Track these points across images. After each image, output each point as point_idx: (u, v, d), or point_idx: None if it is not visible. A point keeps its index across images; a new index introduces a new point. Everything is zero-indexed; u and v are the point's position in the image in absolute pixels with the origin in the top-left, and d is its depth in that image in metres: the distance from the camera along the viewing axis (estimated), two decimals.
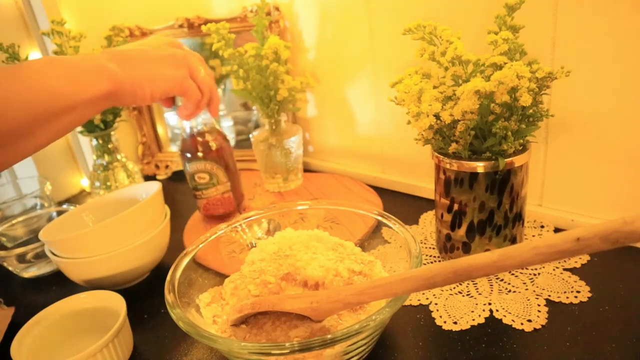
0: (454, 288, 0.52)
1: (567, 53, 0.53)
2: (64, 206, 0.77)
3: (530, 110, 0.48)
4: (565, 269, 0.52)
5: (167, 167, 0.99)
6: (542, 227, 0.60)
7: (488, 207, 0.51)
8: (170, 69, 0.48)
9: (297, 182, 0.82)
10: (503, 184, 0.50)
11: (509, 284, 0.51)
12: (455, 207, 0.53)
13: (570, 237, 0.27)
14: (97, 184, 0.85)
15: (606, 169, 0.55)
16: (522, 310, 0.47)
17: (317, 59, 0.82)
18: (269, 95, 0.74)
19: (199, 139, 0.68)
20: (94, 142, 0.83)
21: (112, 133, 0.83)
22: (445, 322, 0.47)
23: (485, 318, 0.47)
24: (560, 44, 0.53)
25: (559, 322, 0.45)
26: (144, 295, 0.61)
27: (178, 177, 0.98)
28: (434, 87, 0.50)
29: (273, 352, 0.37)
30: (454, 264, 0.32)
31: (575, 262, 0.53)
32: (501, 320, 0.47)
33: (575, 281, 0.50)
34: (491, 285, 0.52)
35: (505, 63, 0.47)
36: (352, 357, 0.42)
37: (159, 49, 0.48)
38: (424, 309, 0.50)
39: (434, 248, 0.60)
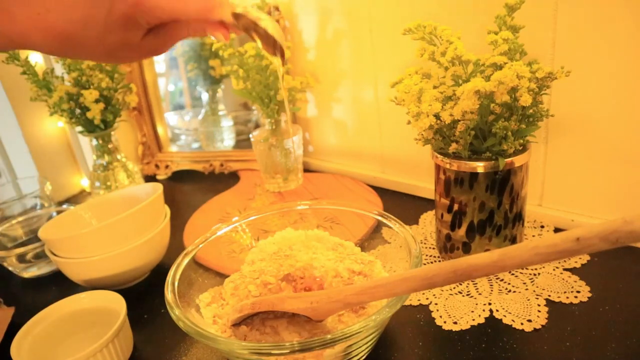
0: (454, 288, 0.52)
1: (567, 53, 0.53)
2: (64, 206, 0.77)
3: (530, 110, 0.48)
4: (565, 269, 0.52)
5: (167, 167, 0.99)
6: (542, 227, 0.60)
7: (488, 207, 0.51)
8: None
9: (297, 182, 0.82)
10: (503, 184, 0.50)
11: (509, 284, 0.51)
12: (455, 207, 0.53)
13: (570, 237, 0.27)
14: (97, 184, 0.85)
15: (606, 169, 0.55)
16: (522, 310, 0.47)
17: (317, 59, 0.82)
18: (269, 95, 0.74)
19: None
20: (94, 142, 0.83)
21: (112, 133, 0.83)
22: (445, 322, 0.47)
23: (485, 318, 0.47)
24: (560, 44, 0.53)
25: (559, 322, 0.45)
26: (144, 295, 0.61)
27: (178, 177, 0.98)
28: (434, 87, 0.50)
29: (273, 352, 0.37)
30: (454, 264, 0.32)
31: (575, 262, 0.53)
32: (501, 320, 0.47)
33: (575, 281, 0.50)
34: (491, 285, 0.52)
35: (505, 63, 0.47)
36: (352, 357, 0.42)
37: None
38: (424, 309, 0.50)
39: (434, 248, 0.60)
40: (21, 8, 0.35)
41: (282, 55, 0.40)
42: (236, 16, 0.37)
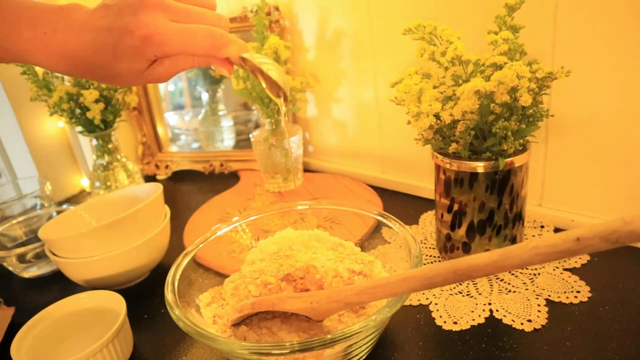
0: (454, 288, 0.52)
1: (567, 53, 0.53)
2: (64, 206, 0.77)
3: (530, 110, 0.48)
4: (565, 269, 0.52)
5: (167, 167, 0.99)
6: (542, 227, 0.60)
7: (488, 207, 0.51)
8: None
9: (297, 182, 0.82)
10: (503, 184, 0.50)
11: (509, 284, 0.51)
12: (455, 207, 0.53)
13: (570, 237, 0.27)
14: (97, 184, 0.85)
15: (606, 169, 0.55)
16: (522, 310, 0.47)
17: (317, 59, 0.82)
18: (269, 95, 0.74)
19: None
20: (94, 142, 0.83)
21: (112, 133, 0.83)
22: (445, 322, 0.47)
23: (485, 318, 0.47)
24: (560, 44, 0.53)
25: (559, 322, 0.45)
26: (144, 295, 0.61)
27: (178, 177, 0.98)
28: (434, 87, 0.50)
29: (273, 352, 0.37)
30: (454, 264, 0.32)
31: (575, 262, 0.53)
32: (501, 320, 0.47)
33: (575, 281, 0.50)
34: (491, 285, 0.52)
35: (505, 63, 0.47)
36: (352, 357, 0.42)
37: None
38: (424, 309, 0.50)
39: (434, 248, 0.60)
40: (28, 26, 0.36)
41: (285, 99, 0.41)
42: (243, 59, 0.38)
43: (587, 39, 0.51)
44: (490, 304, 0.49)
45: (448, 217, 0.54)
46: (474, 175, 0.50)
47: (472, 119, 0.47)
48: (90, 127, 0.80)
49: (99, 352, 0.44)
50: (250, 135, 0.80)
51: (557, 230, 0.60)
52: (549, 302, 0.48)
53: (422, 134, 0.52)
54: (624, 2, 0.48)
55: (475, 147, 0.50)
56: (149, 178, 0.98)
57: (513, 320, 0.46)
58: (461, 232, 0.53)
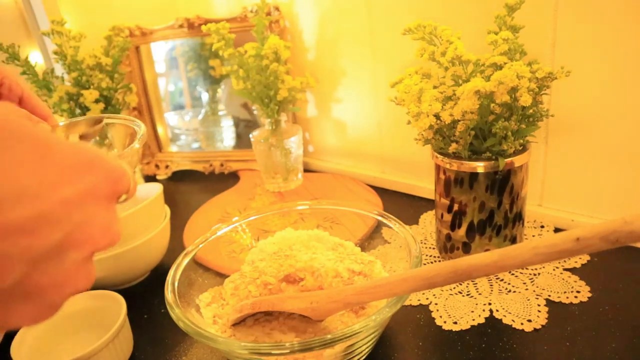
0: (454, 288, 0.52)
1: (567, 53, 0.53)
2: None
3: (530, 110, 0.48)
4: (565, 269, 0.52)
5: (167, 167, 0.99)
6: (542, 227, 0.60)
7: (488, 207, 0.51)
8: None
9: (297, 182, 0.82)
10: (503, 184, 0.50)
11: (509, 284, 0.51)
12: (455, 207, 0.53)
13: (570, 237, 0.27)
14: None
15: (606, 169, 0.55)
16: (522, 310, 0.47)
17: (317, 59, 0.82)
18: (268, 95, 0.74)
19: None
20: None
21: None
22: (445, 322, 0.47)
23: (485, 318, 0.47)
24: (560, 44, 0.53)
25: (559, 322, 0.45)
26: (144, 295, 0.61)
27: (178, 177, 0.98)
28: (434, 87, 0.50)
29: (273, 352, 0.37)
30: (454, 264, 0.32)
31: (575, 262, 0.53)
32: (501, 320, 0.47)
33: (575, 281, 0.50)
34: (491, 285, 0.52)
35: (505, 63, 0.47)
36: (353, 357, 0.42)
37: None
38: (424, 309, 0.50)
39: (434, 248, 0.60)
40: None
41: None
42: None
43: (587, 39, 0.51)
44: (490, 304, 0.49)
45: (448, 217, 0.54)
46: (474, 175, 0.50)
47: (472, 119, 0.47)
48: None
49: (99, 352, 0.44)
50: (250, 135, 0.80)
51: (557, 230, 0.60)
52: (549, 302, 0.48)
53: (422, 134, 0.52)
54: (624, 2, 0.48)
55: (475, 147, 0.50)
56: (149, 178, 0.98)
57: (513, 320, 0.46)
58: (461, 232, 0.53)
